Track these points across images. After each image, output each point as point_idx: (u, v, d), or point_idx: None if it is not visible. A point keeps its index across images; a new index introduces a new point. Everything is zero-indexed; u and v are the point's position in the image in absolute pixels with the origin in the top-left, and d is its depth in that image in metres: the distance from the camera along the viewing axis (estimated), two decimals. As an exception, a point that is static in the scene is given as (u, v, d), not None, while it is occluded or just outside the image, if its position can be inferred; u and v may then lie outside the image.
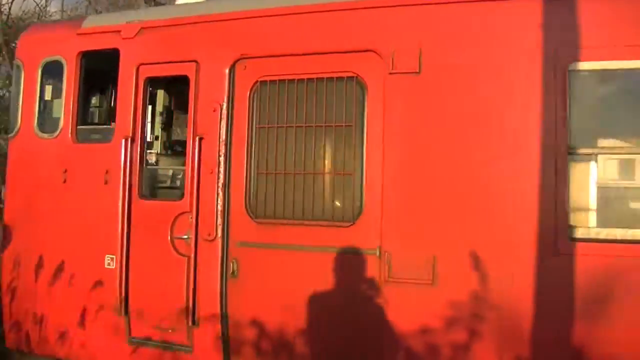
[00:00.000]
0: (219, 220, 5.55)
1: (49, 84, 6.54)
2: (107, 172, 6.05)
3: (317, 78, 5.35)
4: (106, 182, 6.05)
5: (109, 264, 5.98)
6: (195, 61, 5.76)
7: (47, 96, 6.55)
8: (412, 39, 5.07)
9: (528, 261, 4.65)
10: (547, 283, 4.62)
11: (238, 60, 5.60)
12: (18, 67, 6.70)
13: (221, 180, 5.56)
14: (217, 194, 5.56)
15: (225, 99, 5.61)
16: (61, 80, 6.45)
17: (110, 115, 6.52)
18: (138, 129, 5.98)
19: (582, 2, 4.70)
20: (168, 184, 6.46)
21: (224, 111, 5.60)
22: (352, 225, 5.16)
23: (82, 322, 6.06)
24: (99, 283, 6.01)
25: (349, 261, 5.17)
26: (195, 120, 5.73)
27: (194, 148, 5.70)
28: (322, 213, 5.29)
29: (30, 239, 6.37)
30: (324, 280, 5.21)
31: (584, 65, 4.66)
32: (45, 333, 6.21)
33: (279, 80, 5.46)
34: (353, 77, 5.24)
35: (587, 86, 4.76)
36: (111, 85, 6.66)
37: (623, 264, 4.45)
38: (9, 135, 6.75)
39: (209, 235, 5.56)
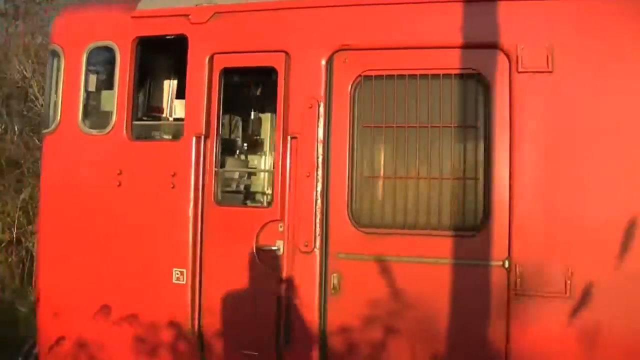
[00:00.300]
0: (318, 230, 4.98)
1: (95, 73, 5.77)
2: (174, 174, 5.35)
3: (431, 74, 4.87)
4: (173, 186, 5.34)
5: (178, 279, 5.29)
6: (285, 51, 5.15)
7: (93, 87, 5.77)
8: (542, 35, 4.69)
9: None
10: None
11: (337, 51, 5.05)
12: (55, 53, 5.85)
13: (320, 185, 4.99)
14: (316, 200, 4.98)
15: (323, 95, 5.04)
16: (111, 69, 5.69)
17: (168, 109, 5.81)
18: (213, 125, 5.31)
19: None
20: (234, 187, 5.81)
21: (322, 108, 5.03)
22: (475, 234, 4.72)
23: (145, 348, 5.32)
24: (165, 301, 5.30)
25: (472, 274, 4.72)
26: (285, 118, 5.12)
27: (284, 149, 5.10)
28: (439, 222, 4.82)
29: (76, 251, 5.57)
30: (442, 295, 4.75)
31: None
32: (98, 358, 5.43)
33: (386, 75, 4.95)
34: (474, 74, 4.81)
35: None
36: (167, 74, 5.95)
37: None
38: (45, 131, 5.90)
39: (306, 246, 4.97)
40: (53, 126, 5.78)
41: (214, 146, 5.29)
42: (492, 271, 4.68)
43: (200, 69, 5.35)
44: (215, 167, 5.28)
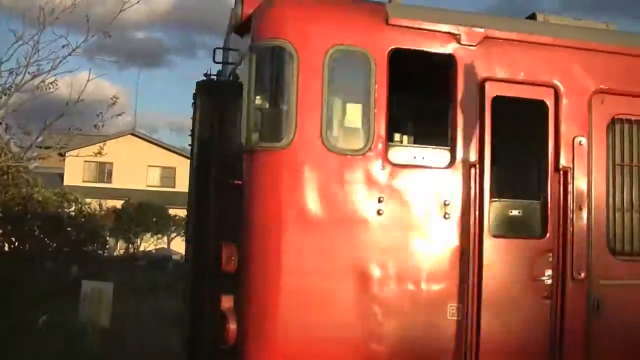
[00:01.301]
0: (586, 259, 5.28)
1: (337, 82, 4.93)
2: (445, 203, 5.00)
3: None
4: (446, 216, 4.99)
5: (452, 315, 4.99)
6: (555, 87, 5.27)
7: (335, 97, 4.93)
8: None
9: None
10: None
11: (597, 92, 5.39)
12: (284, 51, 4.81)
13: (590, 217, 5.29)
14: (588, 231, 5.27)
15: (587, 132, 5.34)
16: (358, 79, 4.96)
17: (423, 132, 5.29)
18: (485, 154, 5.12)
19: None
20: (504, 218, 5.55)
21: (587, 144, 5.32)
22: None
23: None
24: (439, 337, 4.95)
25: None
26: (556, 151, 5.26)
27: (555, 181, 5.24)
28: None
29: (325, 285, 4.76)
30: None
31: None
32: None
33: (635, 119, 5.49)
34: None
35: None
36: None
37: None
38: (266, 145, 4.80)
39: (580, 274, 5.23)
40: (285, 140, 4.78)
41: (486, 175, 5.11)
42: None
43: (471, 94, 5.11)
44: (491, 196, 5.12)
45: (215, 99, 5.97)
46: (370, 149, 4.91)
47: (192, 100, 6.20)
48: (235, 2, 5.37)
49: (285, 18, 4.96)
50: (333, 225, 4.84)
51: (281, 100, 4.88)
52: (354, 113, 4.99)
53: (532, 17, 5.92)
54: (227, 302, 4.90)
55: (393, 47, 5.00)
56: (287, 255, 4.78)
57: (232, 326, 4.84)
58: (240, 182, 4.94)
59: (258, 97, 4.92)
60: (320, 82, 4.85)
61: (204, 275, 5.68)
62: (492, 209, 5.19)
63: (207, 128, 5.94)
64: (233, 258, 4.90)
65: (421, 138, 5.57)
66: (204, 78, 6.43)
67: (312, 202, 4.81)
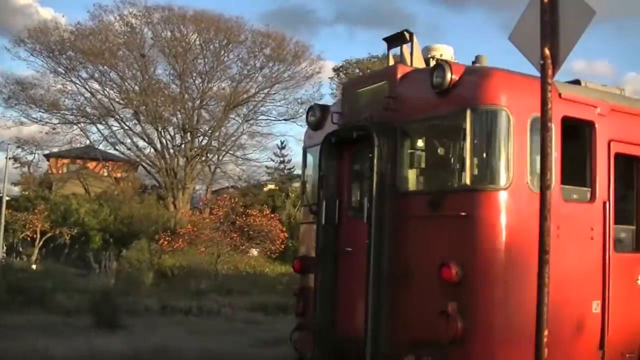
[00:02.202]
0: None
1: (534, 141, 6.63)
2: (592, 229, 6.96)
3: None
4: (592, 238, 6.95)
5: (595, 309, 6.95)
6: (640, 144, 7.47)
7: (533, 152, 6.62)
8: None
9: None
10: None
11: None
12: (504, 114, 6.45)
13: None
14: None
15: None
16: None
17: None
18: (612, 193, 7.14)
19: None
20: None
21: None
22: None
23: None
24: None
25: None
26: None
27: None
28: None
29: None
30: None
31: None
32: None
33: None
34: None
35: None
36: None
37: None
38: (492, 186, 6.43)
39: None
40: (506, 183, 6.42)
41: (611, 208, 7.13)
42: None
43: (603, 150, 7.11)
44: (614, 223, 7.15)
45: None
46: (553, 189, 6.68)
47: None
48: (437, 68, 6.86)
49: (505, 89, 6.59)
50: (531, 246, 6.56)
51: (501, 151, 6.51)
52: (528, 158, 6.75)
53: (576, 81, 8.02)
54: (452, 307, 6.41)
55: (564, 115, 6.85)
56: (504, 272, 6.42)
57: (459, 324, 6.36)
58: (464, 214, 6.48)
59: (477, 147, 6.51)
60: (527, 140, 6.57)
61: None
62: (616, 233, 7.26)
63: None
64: (457, 272, 6.43)
65: (568, 180, 7.44)
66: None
67: (521, 228, 6.50)
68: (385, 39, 8.50)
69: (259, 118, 43.31)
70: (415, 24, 75.18)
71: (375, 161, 7.32)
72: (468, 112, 6.60)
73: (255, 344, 12.16)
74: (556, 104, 6.65)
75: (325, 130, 8.71)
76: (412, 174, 7.52)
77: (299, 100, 42.56)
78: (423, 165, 7.41)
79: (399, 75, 7.57)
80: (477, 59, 8.07)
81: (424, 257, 6.84)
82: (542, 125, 5.66)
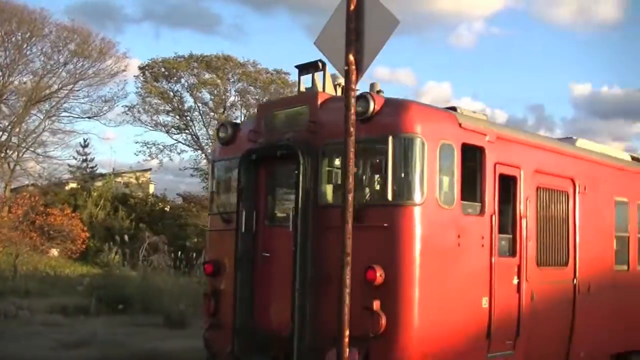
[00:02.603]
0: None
1: (442, 163, 7.82)
2: (482, 237, 8.30)
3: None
4: (482, 245, 8.29)
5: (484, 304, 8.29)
6: (519, 167, 8.97)
7: (441, 172, 7.81)
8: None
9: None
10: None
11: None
12: (420, 140, 7.58)
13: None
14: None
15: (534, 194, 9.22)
16: (451, 162, 7.94)
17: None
18: (496, 207, 8.52)
19: None
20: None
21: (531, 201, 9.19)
22: None
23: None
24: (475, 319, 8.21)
25: None
26: (519, 204, 8.98)
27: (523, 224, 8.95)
28: None
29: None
30: None
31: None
32: None
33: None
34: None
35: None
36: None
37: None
38: (408, 202, 7.52)
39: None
40: (421, 199, 7.55)
41: (495, 220, 8.52)
42: None
43: (490, 171, 8.49)
44: (498, 233, 8.53)
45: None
46: (455, 205, 7.96)
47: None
48: (360, 98, 7.85)
49: (418, 120, 7.71)
50: (443, 252, 7.75)
51: (416, 172, 7.62)
52: (447, 183, 7.96)
53: (453, 108, 9.43)
54: (377, 304, 7.41)
55: (464, 142, 8.13)
56: (421, 274, 7.54)
57: (383, 321, 7.37)
58: (386, 224, 7.52)
59: (397, 168, 7.58)
60: (436, 163, 7.75)
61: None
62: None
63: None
64: (381, 274, 7.44)
65: (465, 196, 8.67)
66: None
67: (436, 237, 7.67)
68: (297, 66, 9.39)
69: (61, 115, 41.91)
70: (220, 25, 74.92)
71: (300, 177, 8.16)
72: (390, 139, 7.65)
73: (56, 347, 12.32)
74: (457, 133, 7.95)
75: (236, 145, 9.43)
76: (330, 190, 8.45)
77: (103, 98, 42.05)
78: (339, 182, 8.39)
79: (319, 102, 8.49)
80: (372, 86, 9.24)
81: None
82: (345, 131, 6.58)
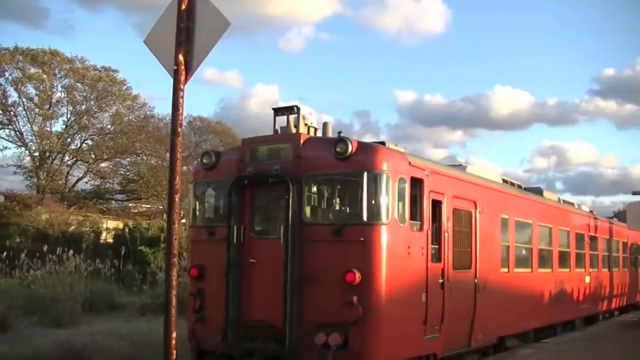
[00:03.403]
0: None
1: (399, 192, 10.43)
2: (422, 248, 11.02)
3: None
4: (422, 254, 11.01)
5: (423, 299, 10.99)
6: (445, 194, 11.80)
7: (398, 199, 10.42)
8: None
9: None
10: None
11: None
12: (386, 176, 10.14)
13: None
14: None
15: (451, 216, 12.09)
16: (404, 191, 10.58)
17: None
18: (430, 225, 11.27)
19: None
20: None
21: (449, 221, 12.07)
22: None
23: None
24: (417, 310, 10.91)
25: None
26: (445, 220, 11.83)
27: (445, 237, 11.77)
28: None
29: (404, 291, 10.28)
30: None
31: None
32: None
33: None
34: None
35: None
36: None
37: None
38: (378, 222, 10.01)
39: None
40: (386, 220, 10.11)
41: (429, 234, 11.25)
42: None
43: (427, 197, 11.24)
44: (431, 244, 11.27)
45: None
46: (406, 224, 10.61)
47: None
48: (339, 142, 10.26)
49: (386, 160, 10.28)
50: (400, 259, 10.36)
51: (384, 200, 10.18)
52: (401, 207, 10.59)
53: (382, 142, 12.19)
54: (355, 299, 9.85)
55: (412, 175, 10.81)
56: (388, 275, 10.09)
57: (360, 311, 9.83)
58: (362, 239, 9.99)
59: (370, 196, 10.09)
60: (395, 192, 10.36)
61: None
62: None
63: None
64: (359, 276, 9.90)
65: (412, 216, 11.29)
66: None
67: (396, 248, 10.26)
68: (274, 109, 11.66)
69: None
70: (48, 19, 73.91)
71: (290, 201, 10.44)
72: (365, 174, 10.16)
73: None
74: (408, 169, 10.67)
75: (217, 171, 11.55)
76: (309, 210, 10.79)
77: None
78: (316, 204, 10.78)
79: (302, 141, 10.81)
80: (325, 125, 11.76)
81: (329, 267, 10.16)
82: (172, 131, 6.65)
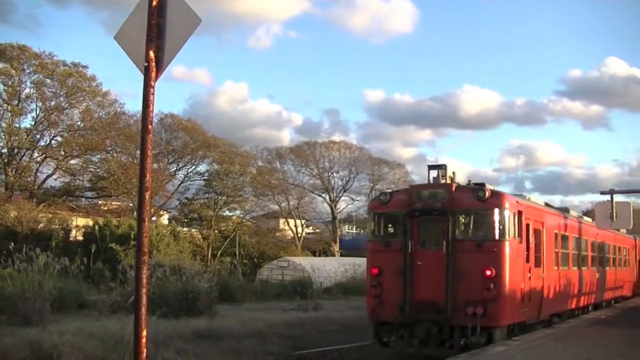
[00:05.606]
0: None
1: (513, 220, 17.22)
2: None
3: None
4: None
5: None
6: (530, 219, 18.60)
7: (512, 224, 17.22)
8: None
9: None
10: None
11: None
12: (510, 212, 16.94)
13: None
14: None
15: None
16: (514, 219, 17.37)
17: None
18: (524, 240, 18.04)
19: None
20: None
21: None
22: None
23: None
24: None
25: None
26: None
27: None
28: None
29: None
30: None
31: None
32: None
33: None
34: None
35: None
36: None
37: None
38: (504, 239, 16.80)
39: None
40: (508, 238, 16.88)
41: (527, 247, 18.05)
42: None
43: (524, 223, 18.04)
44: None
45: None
46: (516, 240, 17.40)
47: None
48: (479, 190, 17.04)
49: (508, 203, 17.08)
50: (515, 262, 17.13)
51: (506, 225, 16.97)
52: (513, 229, 17.37)
53: (522, 195, 18.93)
54: (491, 285, 16.57)
55: (517, 209, 17.60)
56: (509, 272, 16.86)
57: (494, 293, 16.55)
58: (495, 249, 16.76)
59: (499, 223, 16.87)
60: (511, 221, 17.15)
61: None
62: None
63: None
64: (493, 272, 16.63)
65: (518, 235, 18.03)
66: None
67: (512, 255, 17.04)
68: (429, 166, 18.47)
69: None
70: (15, 14, 73.00)
71: (449, 226, 17.15)
72: (496, 210, 16.92)
73: None
74: (516, 205, 17.54)
75: (390, 204, 18.29)
76: (458, 231, 17.45)
77: None
78: (462, 228, 17.51)
79: (453, 188, 17.51)
80: (453, 174, 18.54)
81: (473, 267, 16.85)
82: (142, 128, 6.46)
